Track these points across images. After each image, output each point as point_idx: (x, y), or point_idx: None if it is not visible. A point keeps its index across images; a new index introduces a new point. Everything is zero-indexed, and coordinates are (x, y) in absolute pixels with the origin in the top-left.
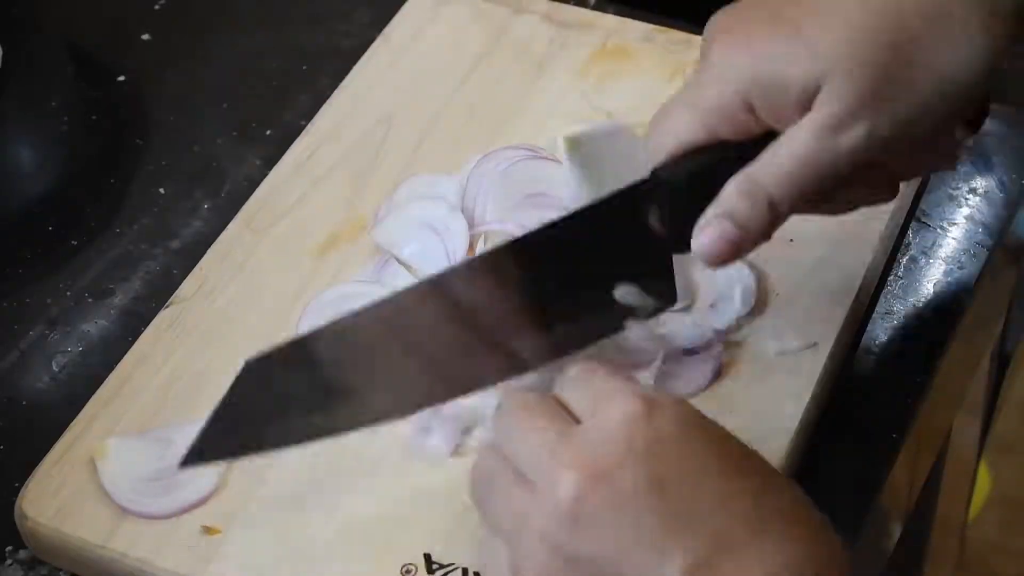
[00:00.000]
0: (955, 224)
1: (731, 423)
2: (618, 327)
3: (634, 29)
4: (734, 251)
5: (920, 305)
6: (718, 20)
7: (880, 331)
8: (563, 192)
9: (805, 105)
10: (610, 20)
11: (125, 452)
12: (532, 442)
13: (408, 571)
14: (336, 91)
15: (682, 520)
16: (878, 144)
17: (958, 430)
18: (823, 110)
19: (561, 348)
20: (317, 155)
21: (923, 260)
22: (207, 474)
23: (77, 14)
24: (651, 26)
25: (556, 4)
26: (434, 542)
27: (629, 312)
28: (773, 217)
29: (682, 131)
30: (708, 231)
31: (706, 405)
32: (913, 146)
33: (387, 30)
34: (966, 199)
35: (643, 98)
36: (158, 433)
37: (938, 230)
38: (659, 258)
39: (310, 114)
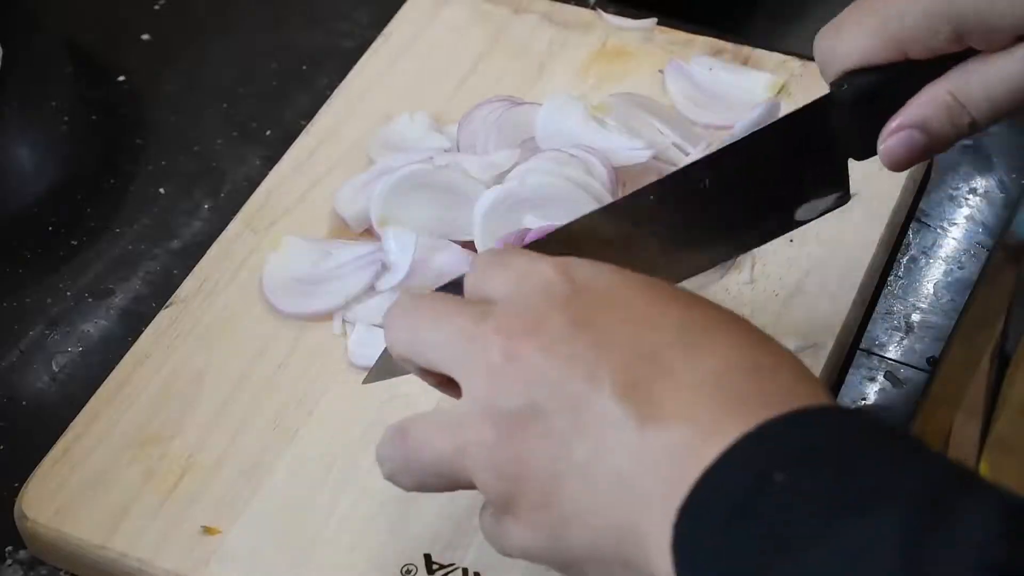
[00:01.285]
0: (955, 224)
1: None
2: (790, 227)
3: (634, 29)
4: (918, 159)
5: (920, 305)
6: None
7: (880, 331)
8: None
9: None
10: (610, 20)
11: (293, 250)
12: (446, 330)
13: (408, 571)
14: (336, 91)
15: (608, 347)
16: None
17: (958, 430)
18: None
19: (735, 250)
20: (317, 155)
21: (923, 260)
22: (336, 292)
23: (77, 14)
24: (651, 26)
25: (556, 4)
26: (434, 542)
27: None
28: (966, 134)
29: (874, 49)
30: (898, 137)
31: None
32: None
33: (387, 30)
34: (966, 199)
35: None
36: (324, 245)
37: (938, 230)
38: (837, 164)
39: (310, 114)
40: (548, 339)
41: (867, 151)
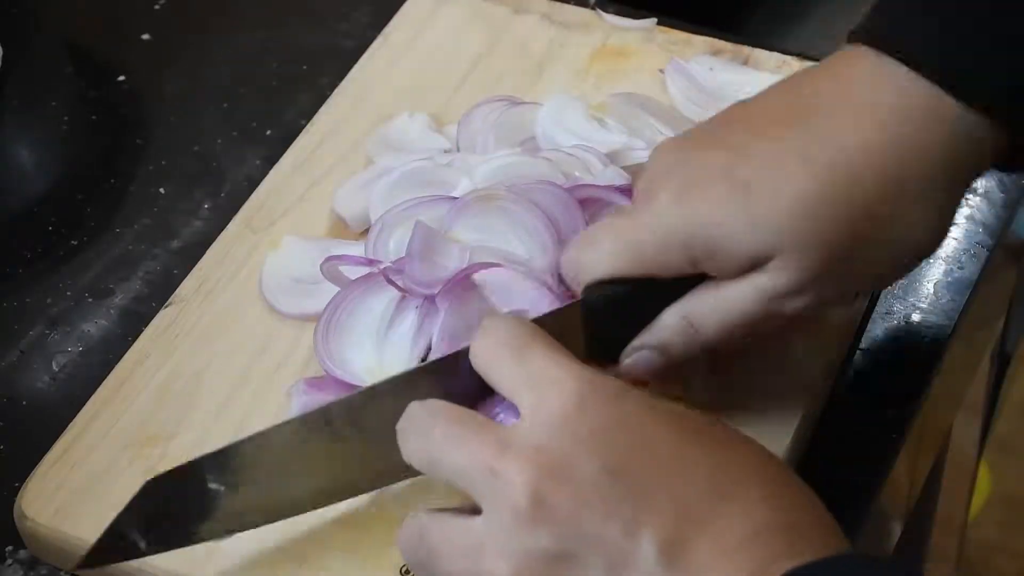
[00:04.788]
0: (955, 224)
1: (730, 423)
2: None
3: (634, 29)
4: (658, 375)
5: (920, 305)
6: (663, 156)
7: (880, 331)
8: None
9: (752, 268)
10: (610, 20)
11: (293, 250)
12: (469, 456)
13: (407, 571)
14: (336, 91)
15: (643, 500)
16: (823, 308)
17: (958, 430)
18: (773, 279)
19: None
20: (317, 155)
21: (923, 260)
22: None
23: (77, 14)
24: (651, 26)
25: (556, 4)
26: None
27: None
28: (701, 353)
29: (616, 266)
30: (638, 357)
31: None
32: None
33: (387, 30)
34: (966, 199)
35: None
36: (324, 244)
37: None
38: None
39: (310, 114)
40: (577, 485)
41: (614, 355)
